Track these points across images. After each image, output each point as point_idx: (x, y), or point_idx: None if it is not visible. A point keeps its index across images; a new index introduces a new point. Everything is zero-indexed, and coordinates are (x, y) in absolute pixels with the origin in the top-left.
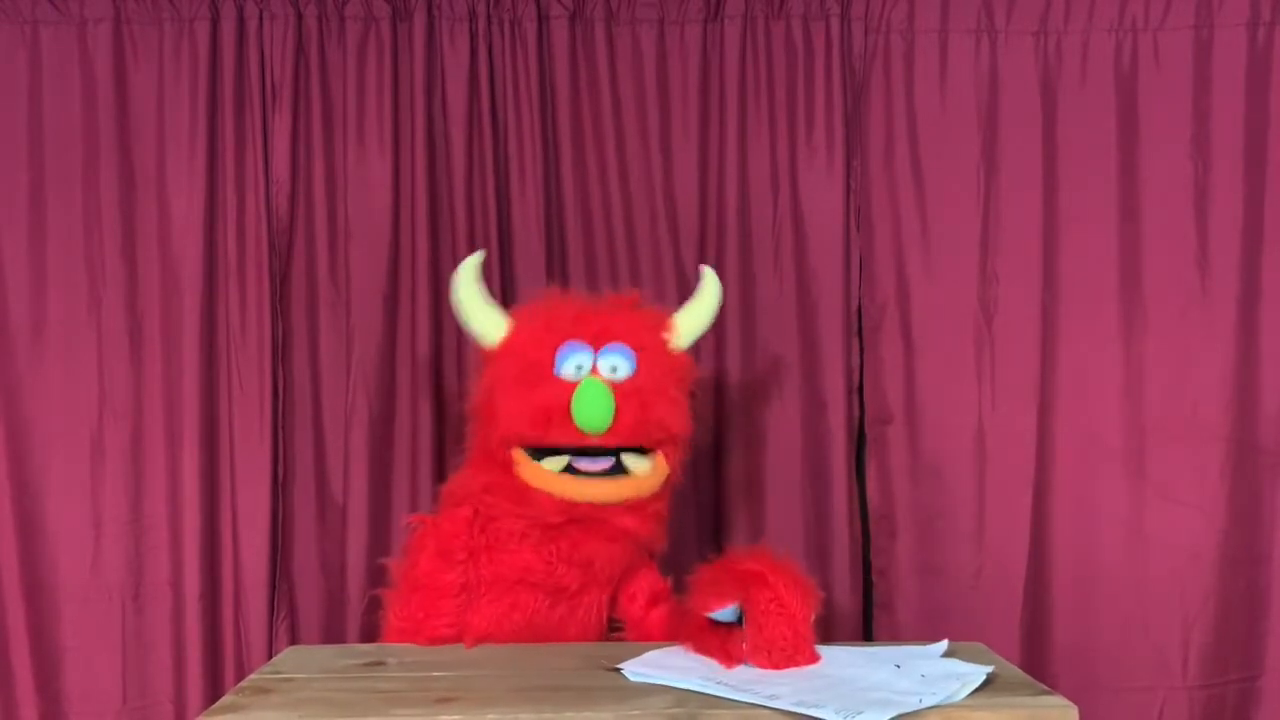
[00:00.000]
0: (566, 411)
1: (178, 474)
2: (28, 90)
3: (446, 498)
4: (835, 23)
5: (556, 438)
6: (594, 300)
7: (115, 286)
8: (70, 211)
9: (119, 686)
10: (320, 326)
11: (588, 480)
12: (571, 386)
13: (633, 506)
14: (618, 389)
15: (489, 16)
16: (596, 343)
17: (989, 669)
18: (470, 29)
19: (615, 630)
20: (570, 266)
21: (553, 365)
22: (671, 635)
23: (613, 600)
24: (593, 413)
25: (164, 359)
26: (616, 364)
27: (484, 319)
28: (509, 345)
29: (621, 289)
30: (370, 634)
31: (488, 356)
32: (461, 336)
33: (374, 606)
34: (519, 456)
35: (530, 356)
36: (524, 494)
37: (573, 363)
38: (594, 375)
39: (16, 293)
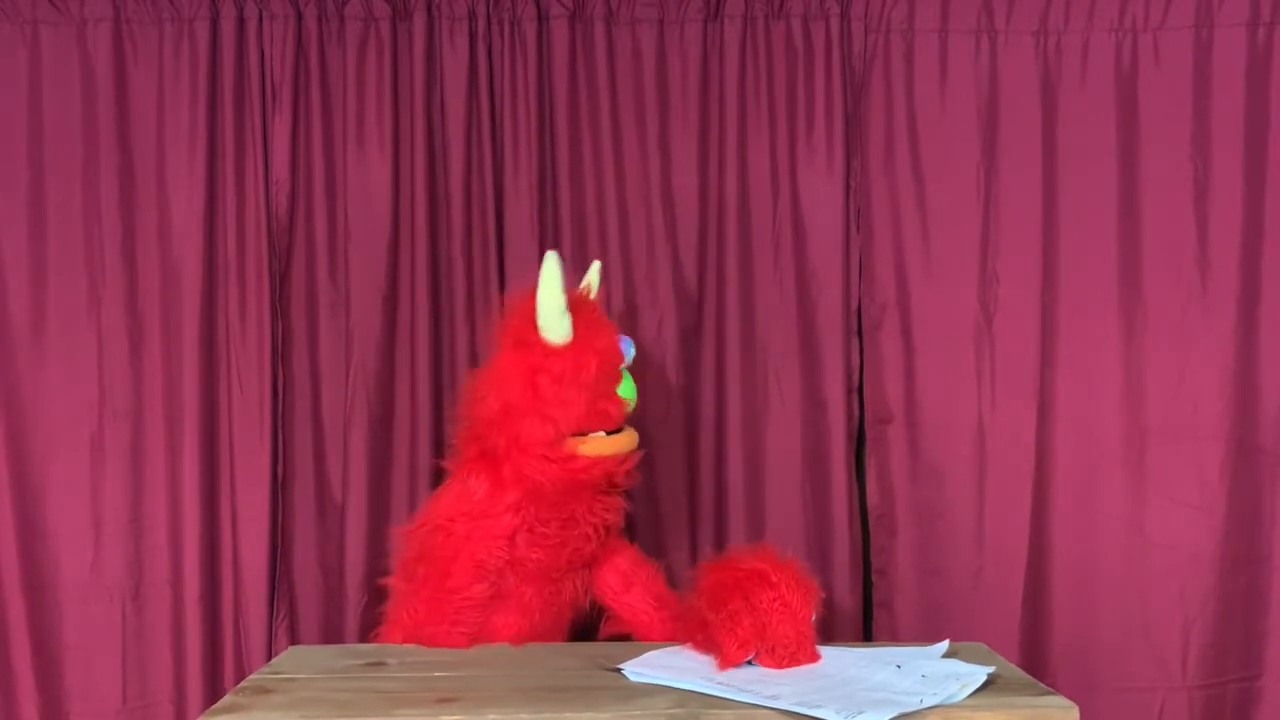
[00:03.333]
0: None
1: (178, 474)
2: (27, 89)
3: (474, 511)
4: (835, 22)
5: (620, 417)
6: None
7: (115, 286)
8: (70, 211)
9: (119, 686)
10: (320, 326)
11: (622, 435)
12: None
13: None
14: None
15: (489, 16)
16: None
17: (990, 670)
18: (470, 29)
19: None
20: (569, 267)
21: (623, 358)
22: (646, 619)
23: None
24: (633, 392)
25: (164, 359)
26: (634, 352)
27: (565, 320)
28: (588, 342)
29: (628, 293)
30: (370, 634)
31: (549, 354)
32: (459, 336)
33: (373, 605)
34: (573, 442)
35: (613, 351)
36: (568, 480)
37: (629, 354)
38: None
39: (17, 292)
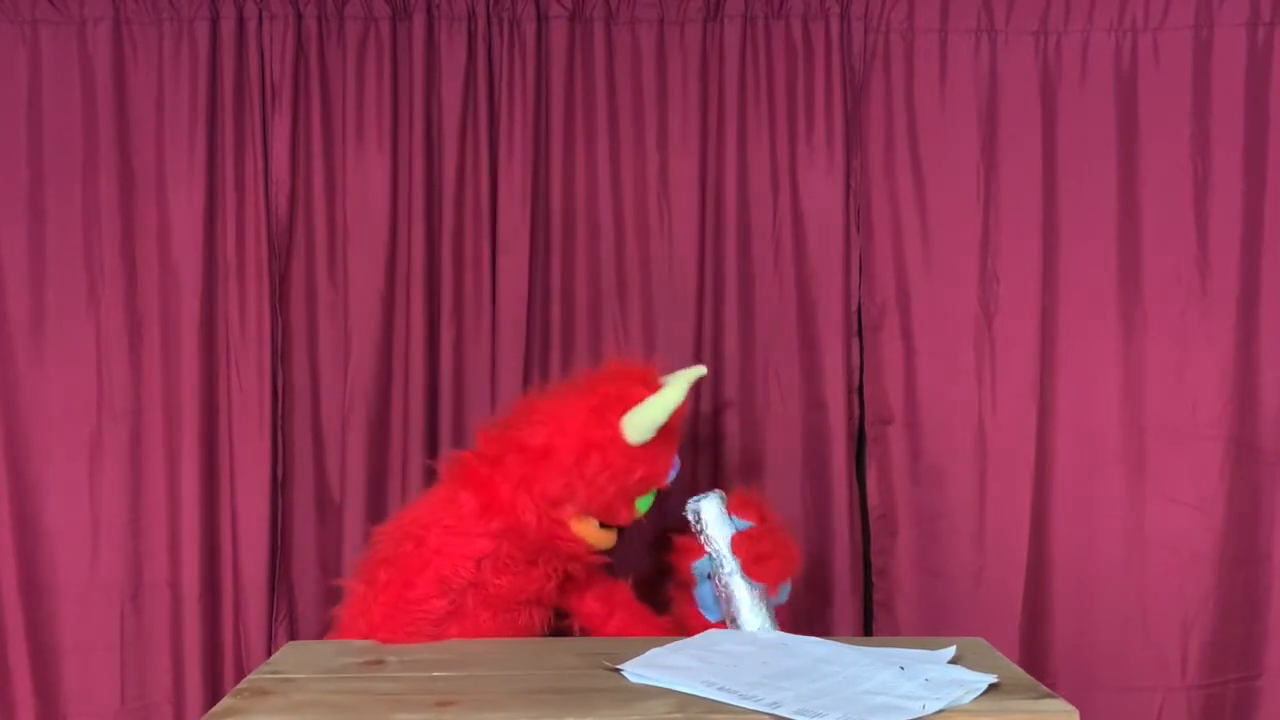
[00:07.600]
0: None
1: (177, 474)
2: (28, 90)
3: (454, 526)
4: (835, 22)
5: (625, 524)
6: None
7: (115, 286)
8: (70, 211)
9: (118, 687)
10: (319, 327)
11: (610, 532)
12: None
13: None
14: None
15: (488, 16)
16: None
17: (992, 678)
18: (469, 29)
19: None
20: (571, 269)
21: (665, 482)
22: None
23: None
24: (648, 508)
25: (163, 359)
26: (674, 475)
27: (653, 434)
28: (646, 452)
29: (624, 295)
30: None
31: (614, 441)
32: (460, 336)
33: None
34: (571, 511)
35: (662, 472)
36: (546, 539)
37: (670, 478)
38: None
39: (16, 292)
